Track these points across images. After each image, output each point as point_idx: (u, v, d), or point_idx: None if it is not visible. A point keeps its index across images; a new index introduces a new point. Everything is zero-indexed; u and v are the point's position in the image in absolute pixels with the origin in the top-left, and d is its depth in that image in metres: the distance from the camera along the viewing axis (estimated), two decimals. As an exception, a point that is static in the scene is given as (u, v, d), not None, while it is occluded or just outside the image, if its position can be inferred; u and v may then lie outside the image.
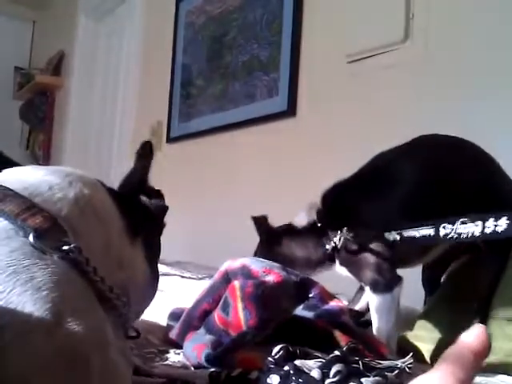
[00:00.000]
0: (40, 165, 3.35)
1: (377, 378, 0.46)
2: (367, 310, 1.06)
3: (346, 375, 0.45)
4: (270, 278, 1.02)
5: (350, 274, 1.01)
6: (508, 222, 0.63)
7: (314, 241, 1.04)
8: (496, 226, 0.64)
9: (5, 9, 4.62)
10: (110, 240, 0.55)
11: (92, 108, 4.04)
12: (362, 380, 0.45)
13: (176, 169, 2.84)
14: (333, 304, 1.03)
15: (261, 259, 1.08)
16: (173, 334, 0.92)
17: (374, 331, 0.96)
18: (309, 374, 0.46)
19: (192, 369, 0.77)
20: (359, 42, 1.90)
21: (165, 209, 0.69)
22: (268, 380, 0.45)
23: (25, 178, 0.53)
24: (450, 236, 0.68)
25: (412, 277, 1.15)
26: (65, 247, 0.46)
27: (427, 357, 0.97)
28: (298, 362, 0.46)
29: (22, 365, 0.36)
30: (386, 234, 0.86)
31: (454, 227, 0.68)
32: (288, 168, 2.17)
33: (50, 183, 0.52)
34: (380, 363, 0.49)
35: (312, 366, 0.46)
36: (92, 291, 0.48)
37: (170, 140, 2.97)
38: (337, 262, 1.02)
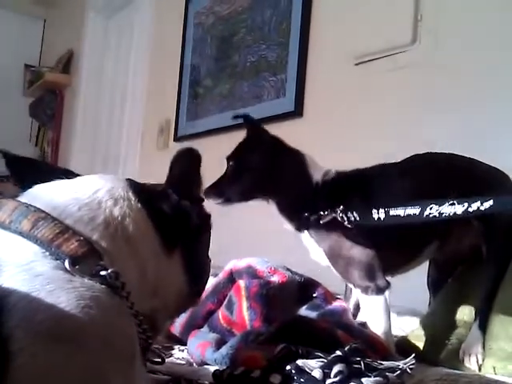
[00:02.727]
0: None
1: (378, 378, 0.46)
2: (358, 305, 1.07)
3: (347, 375, 0.46)
4: (275, 279, 1.03)
5: (330, 264, 1.03)
6: (493, 203, 0.63)
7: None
8: (481, 205, 0.64)
9: (15, 6, 4.65)
10: (144, 266, 0.53)
11: (101, 106, 4.07)
12: (363, 380, 0.45)
13: (183, 168, 2.84)
14: (336, 304, 1.04)
15: (266, 259, 1.09)
16: (177, 331, 0.93)
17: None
18: (310, 373, 0.46)
19: (195, 366, 0.78)
20: (367, 44, 1.90)
21: (206, 215, 0.66)
22: (270, 378, 0.46)
23: (53, 196, 0.52)
24: (432, 215, 0.69)
25: (415, 280, 1.16)
26: (102, 272, 0.46)
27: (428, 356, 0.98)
28: (299, 362, 0.47)
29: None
30: (374, 212, 0.88)
31: (440, 208, 0.68)
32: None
33: (78, 203, 0.51)
34: (382, 364, 0.50)
35: (314, 366, 0.47)
36: (130, 314, 0.48)
37: (177, 139, 2.98)
38: (309, 232, 1.03)
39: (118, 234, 0.51)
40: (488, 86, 1.54)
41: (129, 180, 0.60)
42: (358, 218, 0.92)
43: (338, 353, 0.49)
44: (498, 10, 1.55)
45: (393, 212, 0.82)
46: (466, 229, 1.01)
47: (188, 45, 2.98)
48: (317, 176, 1.07)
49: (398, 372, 0.49)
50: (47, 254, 0.45)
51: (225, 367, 0.54)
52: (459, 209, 0.66)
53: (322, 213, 0.98)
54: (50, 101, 4.49)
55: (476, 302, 0.98)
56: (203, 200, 0.66)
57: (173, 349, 0.87)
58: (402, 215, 0.79)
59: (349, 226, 0.94)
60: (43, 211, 0.48)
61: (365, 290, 0.97)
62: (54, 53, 4.61)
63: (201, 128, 2.77)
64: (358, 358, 0.50)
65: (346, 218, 0.94)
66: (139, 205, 0.55)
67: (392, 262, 1.03)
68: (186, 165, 0.62)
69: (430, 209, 0.71)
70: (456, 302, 1.04)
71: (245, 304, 0.96)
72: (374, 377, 0.47)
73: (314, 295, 1.08)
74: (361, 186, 1.05)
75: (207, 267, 0.68)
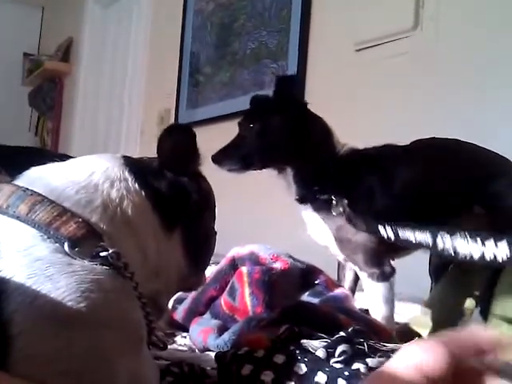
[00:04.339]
0: (48, 151, 3.31)
1: (382, 358, 0.46)
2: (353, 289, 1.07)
3: (351, 355, 0.46)
4: (278, 265, 1.03)
5: (330, 244, 1.02)
6: (508, 247, 0.59)
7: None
8: (496, 247, 0.60)
9: (14, -6, 4.62)
10: (145, 247, 0.53)
11: (100, 94, 4.05)
12: (368, 360, 0.46)
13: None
14: (338, 291, 1.04)
15: (268, 246, 1.09)
16: (179, 318, 0.93)
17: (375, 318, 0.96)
18: (314, 353, 0.47)
19: (198, 352, 0.78)
20: (368, 30, 1.88)
21: (206, 191, 0.63)
22: (274, 358, 0.46)
23: (49, 179, 0.51)
24: (448, 252, 0.64)
25: (415, 265, 1.16)
26: (103, 253, 0.45)
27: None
28: (303, 342, 0.47)
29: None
30: (381, 229, 0.85)
31: (452, 241, 0.63)
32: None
33: (75, 186, 0.50)
34: (385, 345, 0.50)
35: (317, 346, 0.47)
36: (134, 296, 0.48)
37: (177, 127, 2.98)
38: (316, 208, 1.02)
39: (117, 215, 0.51)
40: (489, 73, 1.53)
41: (125, 158, 0.58)
42: (364, 227, 0.92)
43: (342, 334, 0.49)
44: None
45: (402, 234, 0.78)
46: (469, 214, 1.01)
47: (188, 32, 2.96)
48: (338, 148, 1.05)
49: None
50: (46, 237, 0.44)
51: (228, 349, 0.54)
52: (476, 253, 0.61)
53: (332, 198, 0.97)
54: (49, 89, 4.46)
55: (478, 289, 0.99)
56: (201, 175, 0.64)
57: (175, 336, 0.87)
58: (413, 241, 0.74)
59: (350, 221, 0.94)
60: (40, 194, 0.47)
61: (370, 276, 0.97)
62: (53, 41, 4.58)
63: (201, 116, 2.76)
64: (362, 340, 0.50)
65: (349, 217, 0.93)
66: (136, 185, 0.54)
67: (391, 245, 1.02)
68: (179, 139, 0.60)
69: (442, 238, 0.66)
70: (457, 288, 1.05)
71: (247, 290, 0.96)
72: (378, 357, 0.47)
73: (316, 282, 1.08)
74: (373, 170, 1.02)
75: (210, 245, 0.67)
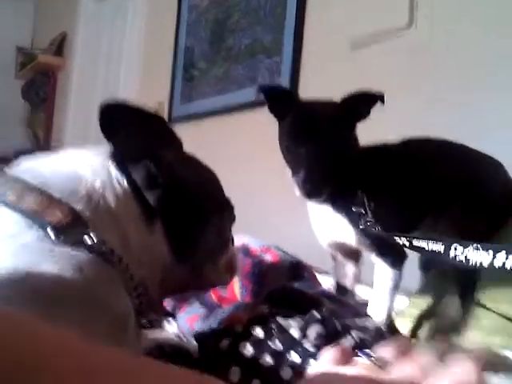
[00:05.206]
0: (41, 145, 3.31)
1: (354, 336, 0.47)
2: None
3: (324, 336, 0.46)
4: (268, 257, 1.04)
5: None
6: None
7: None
8: (507, 259, 0.61)
9: (7, -13, 4.59)
10: (127, 238, 0.52)
11: (94, 89, 4.03)
12: (342, 341, 0.46)
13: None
14: (325, 288, 1.05)
15: (259, 239, 1.09)
16: (168, 305, 0.93)
17: (375, 303, 0.97)
18: (289, 332, 0.47)
19: (184, 339, 0.78)
20: (363, 28, 1.89)
21: (191, 178, 0.60)
22: (252, 331, 0.46)
23: (38, 169, 0.52)
24: (459, 259, 0.66)
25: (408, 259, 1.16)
26: (88, 240, 0.46)
27: (412, 332, 1.00)
28: (280, 320, 0.48)
29: None
30: (396, 238, 0.82)
31: (464, 251, 0.66)
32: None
33: (62, 176, 0.51)
34: (356, 324, 0.51)
35: (292, 325, 0.48)
36: (121, 279, 0.48)
37: (171, 121, 2.97)
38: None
39: (100, 205, 0.51)
40: (485, 71, 1.54)
41: (113, 150, 0.59)
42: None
43: (315, 313, 0.50)
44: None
45: (416, 243, 0.78)
46: (457, 206, 1.02)
47: (182, 27, 2.95)
48: None
49: (374, 330, 0.50)
50: (32, 224, 0.45)
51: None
52: (486, 260, 0.63)
53: (356, 193, 0.94)
54: (42, 83, 4.44)
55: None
56: (186, 161, 0.61)
57: (162, 322, 0.87)
58: (426, 249, 0.76)
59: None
60: (29, 183, 0.48)
61: (385, 261, 0.96)
62: (46, 35, 4.55)
63: (195, 110, 2.76)
64: (335, 319, 0.50)
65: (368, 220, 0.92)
66: (118, 175, 0.54)
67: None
68: (122, 120, 0.57)
69: (455, 249, 0.69)
70: (443, 280, 1.05)
71: (237, 283, 0.96)
72: (350, 335, 0.47)
73: (305, 276, 1.08)
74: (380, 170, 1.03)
75: (202, 239, 0.62)
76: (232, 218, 0.71)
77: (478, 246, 0.62)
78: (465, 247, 0.63)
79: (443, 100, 1.61)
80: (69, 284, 0.42)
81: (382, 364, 0.37)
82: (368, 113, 1.04)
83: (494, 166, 1.11)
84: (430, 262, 1.14)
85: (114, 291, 0.47)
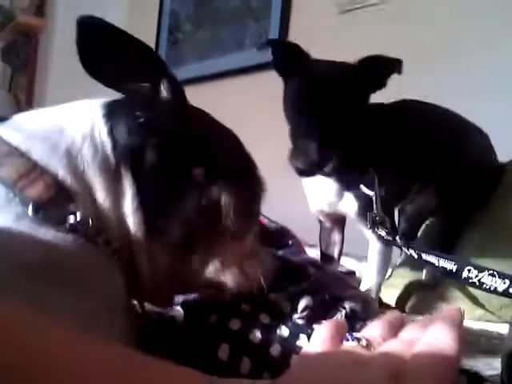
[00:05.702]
0: (22, 109, 3.23)
1: (347, 307, 0.47)
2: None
3: (313, 308, 0.46)
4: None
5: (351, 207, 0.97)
6: None
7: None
8: None
9: None
10: (102, 206, 0.45)
11: (76, 52, 3.92)
12: (345, 305, 0.46)
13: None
14: (309, 255, 1.05)
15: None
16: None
17: (366, 277, 0.97)
18: (278, 306, 0.47)
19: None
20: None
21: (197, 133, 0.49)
22: (242, 306, 0.46)
23: (25, 124, 0.47)
24: (471, 281, 0.64)
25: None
26: (71, 220, 0.41)
27: (396, 302, 1.01)
28: (272, 296, 0.47)
29: None
30: (404, 249, 0.78)
31: (478, 275, 0.62)
32: (278, 119, 2.13)
33: (44, 131, 0.46)
34: (345, 294, 0.51)
35: (281, 299, 0.48)
36: (106, 262, 0.43)
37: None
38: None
39: (78, 165, 0.45)
40: (476, 37, 1.53)
41: (112, 101, 0.50)
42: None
43: (304, 285, 0.50)
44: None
45: (425, 257, 0.73)
46: (431, 174, 1.03)
47: (168, -12, 2.87)
48: None
49: (362, 300, 0.50)
50: (12, 198, 0.40)
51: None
52: (501, 287, 0.62)
53: (367, 171, 0.88)
54: (23, 45, 4.31)
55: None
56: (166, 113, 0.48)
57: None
58: (436, 265, 0.70)
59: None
60: (12, 145, 0.43)
61: (379, 238, 0.95)
62: (26, -6, 4.40)
63: (180, 76, 2.70)
64: (323, 290, 0.50)
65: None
66: (102, 125, 0.47)
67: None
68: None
69: (469, 271, 0.66)
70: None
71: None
72: (341, 306, 0.48)
73: (290, 243, 1.08)
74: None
75: (183, 206, 0.48)
76: (255, 197, 0.54)
77: (495, 272, 0.60)
78: (480, 271, 0.62)
79: (434, 64, 1.60)
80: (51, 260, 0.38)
81: (370, 346, 0.37)
82: (384, 82, 0.93)
83: (478, 135, 1.10)
84: (408, 233, 1.15)
85: (96, 276, 0.42)
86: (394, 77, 0.90)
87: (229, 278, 0.50)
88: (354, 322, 0.47)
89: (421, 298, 1.02)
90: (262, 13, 2.23)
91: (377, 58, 0.91)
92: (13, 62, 4.39)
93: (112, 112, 0.48)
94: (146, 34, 2.98)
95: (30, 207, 0.40)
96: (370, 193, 0.87)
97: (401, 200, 1.04)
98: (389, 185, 0.92)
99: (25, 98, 4.29)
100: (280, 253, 0.98)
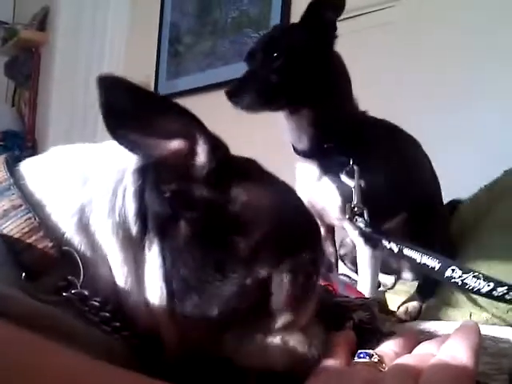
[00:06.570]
0: (25, 123, 3.22)
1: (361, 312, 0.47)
2: None
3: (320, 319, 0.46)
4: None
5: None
6: None
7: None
8: (507, 293, 0.60)
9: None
10: (118, 278, 0.41)
11: (78, 64, 3.95)
12: (353, 315, 0.46)
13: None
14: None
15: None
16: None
17: (360, 284, 0.97)
18: None
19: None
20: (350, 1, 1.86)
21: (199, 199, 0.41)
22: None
23: (46, 169, 0.43)
24: (453, 281, 0.63)
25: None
26: (64, 293, 0.37)
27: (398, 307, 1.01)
28: None
29: None
30: (385, 243, 0.80)
31: (462, 276, 0.62)
32: (278, 129, 2.14)
33: (65, 182, 0.41)
34: (352, 302, 0.51)
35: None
36: (91, 334, 0.38)
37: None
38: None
39: (90, 228, 0.40)
40: (473, 45, 1.53)
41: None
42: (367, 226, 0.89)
43: None
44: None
45: (407, 253, 0.74)
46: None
47: (167, 1, 2.89)
48: (356, 104, 1.00)
49: (368, 308, 0.50)
50: (7, 259, 0.37)
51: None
52: (484, 289, 0.62)
53: (349, 162, 0.91)
54: (25, 60, 4.34)
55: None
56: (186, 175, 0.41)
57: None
58: (418, 261, 0.71)
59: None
60: (21, 196, 0.39)
61: (366, 242, 0.95)
62: (28, 9, 4.44)
63: (182, 87, 2.72)
64: (328, 300, 0.51)
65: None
66: (131, 188, 0.42)
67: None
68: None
69: (453, 271, 0.65)
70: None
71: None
72: (349, 316, 0.48)
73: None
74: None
75: (203, 282, 0.41)
76: (314, 275, 0.45)
77: (480, 275, 0.60)
78: (464, 272, 0.62)
79: (431, 71, 1.60)
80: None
81: (382, 362, 0.37)
82: (333, 23, 0.98)
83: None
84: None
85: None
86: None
87: (271, 355, 0.42)
88: (363, 331, 0.47)
89: (425, 304, 1.02)
90: (261, 23, 2.25)
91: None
92: (16, 76, 4.43)
93: (143, 172, 0.42)
94: (147, 46, 3.00)
95: (24, 275, 0.36)
96: (351, 183, 0.89)
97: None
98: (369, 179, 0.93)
99: (28, 112, 4.32)
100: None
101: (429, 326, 0.73)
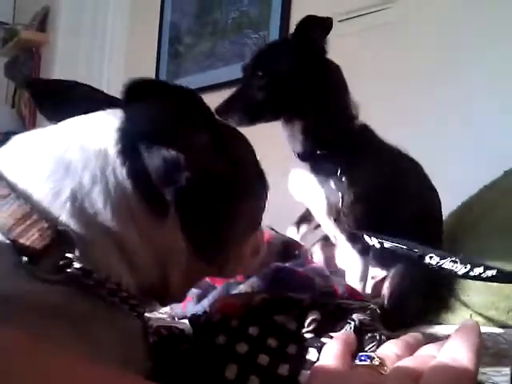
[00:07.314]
0: (26, 124, 3.22)
1: (355, 320, 0.47)
2: None
3: (320, 321, 0.46)
4: (260, 237, 1.04)
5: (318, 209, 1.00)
6: (496, 273, 0.61)
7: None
8: (484, 273, 0.61)
9: (-14, -40, 4.44)
10: (123, 242, 0.42)
11: (78, 65, 3.95)
12: (354, 317, 0.46)
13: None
14: (315, 264, 1.06)
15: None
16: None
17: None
18: (285, 327, 0.47)
19: (176, 319, 0.79)
20: (350, 1, 1.86)
21: (209, 166, 0.46)
22: (249, 331, 0.46)
23: (26, 156, 0.43)
24: (431, 266, 0.65)
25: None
26: (68, 269, 0.38)
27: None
28: (277, 318, 0.47)
29: None
30: (366, 238, 0.82)
31: (439, 261, 0.64)
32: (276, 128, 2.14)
33: (47, 168, 0.41)
34: (353, 304, 0.51)
35: (288, 319, 0.48)
36: (101, 310, 0.40)
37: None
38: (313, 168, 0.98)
39: (86, 209, 0.40)
40: (471, 47, 1.53)
41: (126, 118, 0.46)
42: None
43: (308, 301, 0.50)
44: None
45: (388, 245, 0.75)
46: None
47: (167, 1, 2.89)
48: (354, 112, 1.02)
49: (369, 311, 0.50)
50: (5, 248, 0.37)
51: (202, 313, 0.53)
52: (461, 271, 0.63)
53: (338, 170, 0.93)
54: (25, 60, 4.34)
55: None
56: (203, 145, 0.46)
57: (155, 304, 0.87)
58: (399, 251, 0.72)
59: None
60: (8, 185, 0.39)
61: (354, 248, 0.97)
62: (28, 10, 4.44)
63: (182, 88, 2.73)
64: (331, 302, 0.51)
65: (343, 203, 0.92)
66: (118, 163, 0.42)
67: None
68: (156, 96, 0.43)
69: (431, 258, 0.67)
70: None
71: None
72: (349, 318, 0.48)
73: (296, 253, 1.09)
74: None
75: (229, 227, 0.50)
76: (265, 196, 0.58)
77: (457, 259, 0.62)
78: (442, 259, 0.64)
79: (429, 73, 1.61)
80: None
81: (383, 364, 0.37)
82: (322, 40, 1.02)
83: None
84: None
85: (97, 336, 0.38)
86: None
87: (242, 262, 0.57)
88: (363, 333, 0.47)
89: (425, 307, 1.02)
90: (261, 23, 2.25)
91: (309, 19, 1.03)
92: (16, 77, 4.43)
93: (128, 136, 0.44)
94: (147, 46, 3.00)
95: (24, 259, 0.37)
96: (338, 192, 0.93)
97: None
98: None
99: (29, 113, 4.32)
100: (287, 265, 0.99)
101: (429, 329, 0.73)
